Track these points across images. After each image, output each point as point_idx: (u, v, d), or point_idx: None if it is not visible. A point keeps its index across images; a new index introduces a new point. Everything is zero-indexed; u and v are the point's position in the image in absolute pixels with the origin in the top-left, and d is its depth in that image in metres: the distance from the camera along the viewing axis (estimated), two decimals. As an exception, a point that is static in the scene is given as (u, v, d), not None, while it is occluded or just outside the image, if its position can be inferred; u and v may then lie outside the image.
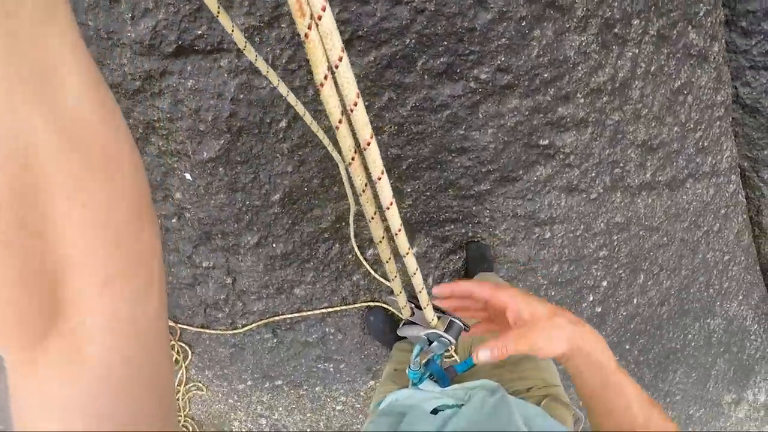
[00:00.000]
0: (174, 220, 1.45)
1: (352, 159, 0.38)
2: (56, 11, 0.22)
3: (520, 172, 1.36)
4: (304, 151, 1.28)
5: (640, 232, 1.54)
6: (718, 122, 1.57)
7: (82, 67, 0.23)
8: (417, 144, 1.30)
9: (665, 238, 1.59)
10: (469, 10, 1.16)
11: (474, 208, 1.39)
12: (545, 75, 1.26)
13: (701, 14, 1.40)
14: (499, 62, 1.22)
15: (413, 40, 1.18)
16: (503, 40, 1.20)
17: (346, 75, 0.32)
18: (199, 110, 1.23)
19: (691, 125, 1.50)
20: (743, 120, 1.84)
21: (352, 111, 0.34)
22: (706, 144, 1.56)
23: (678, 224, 1.60)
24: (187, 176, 1.34)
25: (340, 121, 0.35)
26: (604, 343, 0.55)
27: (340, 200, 1.36)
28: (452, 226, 1.42)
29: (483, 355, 0.53)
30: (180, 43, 1.16)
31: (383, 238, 0.48)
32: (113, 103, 0.25)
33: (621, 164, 1.42)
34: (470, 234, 1.44)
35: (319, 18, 0.29)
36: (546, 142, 1.33)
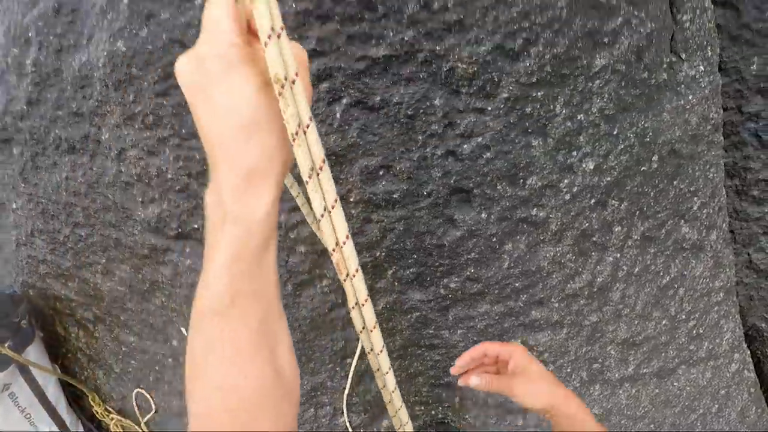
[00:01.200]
0: (170, 360, 1.58)
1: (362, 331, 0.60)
2: (278, 295, 0.46)
3: (492, 365, 1.36)
4: (279, 336, 1.35)
5: (622, 421, 1.49)
6: (716, 307, 1.50)
7: (287, 332, 0.46)
8: (387, 337, 1.34)
9: (652, 425, 1.53)
10: (438, 229, 1.19)
11: (444, 394, 1.40)
12: (517, 284, 1.26)
13: (695, 208, 1.36)
14: (468, 273, 1.24)
15: (383, 254, 1.22)
16: (473, 254, 1.22)
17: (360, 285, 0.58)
18: (195, 285, 1.33)
19: (683, 316, 1.44)
20: (758, 284, 1.75)
21: (354, 277, 0.57)
22: (701, 331, 1.50)
23: (668, 410, 1.53)
24: (183, 330, 1.46)
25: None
26: (583, 407, 0.69)
27: (315, 375, 1.42)
28: (422, 407, 1.44)
29: (474, 381, 0.74)
30: (180, 230, 1.28)
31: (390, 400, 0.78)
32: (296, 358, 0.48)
33: (599, 360, 1.39)
34: (440, 416, 1.45)
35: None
36: (518, 341, 1.33)
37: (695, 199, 1.36)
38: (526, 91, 1.07)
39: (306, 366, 1.42)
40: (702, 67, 1.25)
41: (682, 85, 1.22)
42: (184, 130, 1.17)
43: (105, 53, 1.15)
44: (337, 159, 1.12)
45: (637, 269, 1.34)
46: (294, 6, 0.98)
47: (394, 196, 1.15)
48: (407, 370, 1.37)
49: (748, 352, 1.70)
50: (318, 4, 0.97)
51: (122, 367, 1.77)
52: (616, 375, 1.42)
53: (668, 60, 1.18)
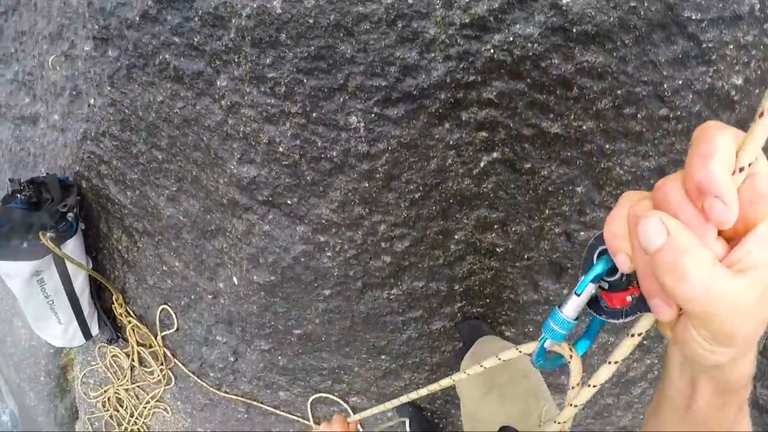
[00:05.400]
0: (210, 297, 1.64)
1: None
2: None
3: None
4: (333, 316, 1.43)
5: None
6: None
7: None
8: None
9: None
10: (521, 287, 1.27)
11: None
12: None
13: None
14: (528, 330, 1.33)
15: (461, 289, 1.29)
16: (539, 317, 1.31)
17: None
18: (264, 250, 1.38)
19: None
20: (752, 415, 1.93)
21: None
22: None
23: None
24: (234, 279, 1.51)
25: None
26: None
27: (347, 358, 1.52)
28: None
29: None
30: (270, 198, 1.29)
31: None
32: None
33: (596, 434, 1.54)
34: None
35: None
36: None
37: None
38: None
39: (342, 348, 1.52)
40: None
41: None
42: (314, 114, 1.10)
43: (255, 4, 1.02)
44: (460, 200, 1.15)
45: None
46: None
47: (497, 249, 1.21)
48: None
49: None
50: (516, 61, 0.97)
51: (155, 282, 1.78)
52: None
53: None
